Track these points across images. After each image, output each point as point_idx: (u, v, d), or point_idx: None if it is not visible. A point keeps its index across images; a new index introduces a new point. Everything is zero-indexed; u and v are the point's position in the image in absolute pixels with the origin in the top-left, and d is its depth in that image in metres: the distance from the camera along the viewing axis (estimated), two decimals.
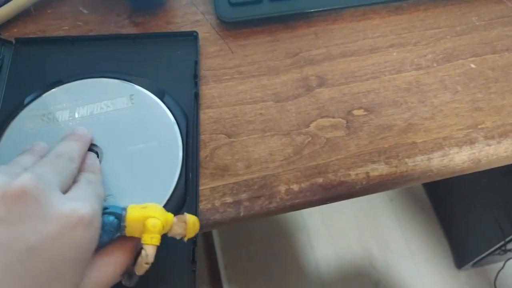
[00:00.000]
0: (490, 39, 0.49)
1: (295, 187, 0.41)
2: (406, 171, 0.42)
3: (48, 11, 0.50)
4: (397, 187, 0.43)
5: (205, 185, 0.41)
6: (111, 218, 0.31)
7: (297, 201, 0.41)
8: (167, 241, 0.37)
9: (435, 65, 0.47)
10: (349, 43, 0.48)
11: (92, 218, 0.29)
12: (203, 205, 0.40)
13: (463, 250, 1.27)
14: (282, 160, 0.42)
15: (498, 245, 1.08)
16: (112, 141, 0.40)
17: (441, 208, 1.36)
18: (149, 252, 0.31)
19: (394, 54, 0.48)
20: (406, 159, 0.42)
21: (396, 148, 0.43)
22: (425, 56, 0.48)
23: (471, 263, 1.22)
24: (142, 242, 0.31)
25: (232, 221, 0.40)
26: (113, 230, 0.31)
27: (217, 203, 0.40)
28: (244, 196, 0.41)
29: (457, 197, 1.27)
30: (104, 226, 0.31)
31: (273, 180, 0.41)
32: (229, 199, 0.40)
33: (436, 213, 1.37)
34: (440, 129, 0.44)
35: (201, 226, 0.39)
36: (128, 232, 0.32)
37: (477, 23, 0.50)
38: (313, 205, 0.42)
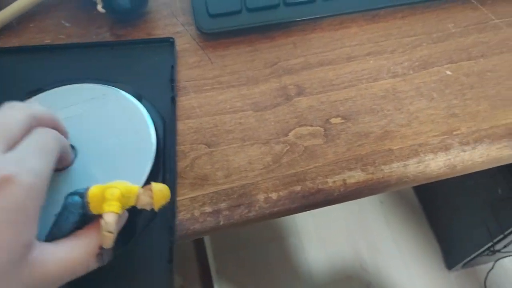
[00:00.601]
0: (465, 46, 0.50)
1: (274, 196, 0.42)
2: (383, 177, 0.43)
3: (31, 25, 0.50)
4: (374, 193, 0.44)
5: (185, 195, 0.41)
6: (76, 197, 0.32)
7: (275, 209, 0.42)
8: (144, 240, 0.38)
9: (411, 72, 0.48)
10: (327, 52, 0.49)
11: (20, 178, 0.27)
12: (182, 215, 0.40)
13: (453, 251, 1.28)
14: (261, 169, 0.43)
15: (487, 246, 1.09)
16: (86, 141, 0.40)
17: (431, 209, 1.37)
18: (107, 219, 0.31)
19: (371, 62, 0.48)
20: (383, 166, 0.43)
21: (373, 155, 0.44)
22: (402, 63, 0.48)
23: (461, 264, 1.23)
24: (102, 211, 0.31)
25: (212, 230, 0.41)
26: (78, 209, 0.31)
27: (196, 212, 0.41)
28: (223, 205, 0.41)
29: (446, 198, 1.28)
30: (69, 206, 0.31)
31: (252, 188, 0.42)
32: (208, 209, 0.41)
33: (426, 214, 1.38)
34: (416, 135, 0.45)
35: (180, 237, 0.40)
36: (92, 207, 0.31)
37: (453, 30, 0.51)
38: (292, 212, 0.43)
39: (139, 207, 0.33)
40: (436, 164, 0.43)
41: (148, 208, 0.33)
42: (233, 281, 1.25)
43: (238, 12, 0.49)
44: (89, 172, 0.38)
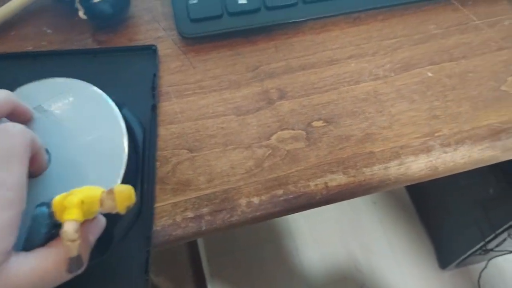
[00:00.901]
0: (447, 47, 0.50)
1: (256, 200, 0.42)
2: (364, 180, 0.43)
3: (12, 33, 0.50)
4: (357, 196, 0.44)
5: (167, 200, 0.41)
6: (43, 208, 0.31)
7: (258, 213, 0.42)
8: (122, 250, 0.37)
9: (392, 74, 0.48)
10: (309, 55, 0.49)
11: None
12: (164, 221, 0.40)
13: (446, 251, 1.28)
14: (243, 173, 0.43)
15: (479, 246, 1.09)
16: (58, 143, 0.39)
17: (423, 210, 1.37)
18: (66, 228, 0.30)
19: (353, 65, 0.48)
20: (364, 169, 0.43)
21: (354, 158, 0.44)
22: (383, 66, 0.48)
23: (455, 263, 1.24)
24: (62, 220, 0.30)
25: (194, 236, 0.41)
26: (46, 220, 0.31)
27: (178, 218, 0.41)
28: (205, 210, 0.41)
29: (439, 198, 1.28)
30: (37, 217, 0.31)
31: (235, 193, 0.42)
32: (190, 214, 0.41)
33: (419, 214, 1.38)
34: (398, 137, 0.45)
35: (162, 242, 0.40)
36: (58, 216, 0.31)
37: (434, 32, 0.51)
38: (274, 216, 0.43)
39: (104, 211, 0.32)
40: (418, 166, 0.43)
41: (113, 211, 0.32)
42: (227, 284, 1.25)
43: (219, 16, 0.49)
44: (64, 178, 0.38)
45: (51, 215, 0.31)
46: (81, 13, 0.48)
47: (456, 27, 0.51)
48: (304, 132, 0.45)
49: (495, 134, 0.45)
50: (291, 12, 0.50)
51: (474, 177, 1.08)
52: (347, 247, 1.32)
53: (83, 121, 0.40)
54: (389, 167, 0.43)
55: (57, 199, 0.31)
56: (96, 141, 0.39)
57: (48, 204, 0.31)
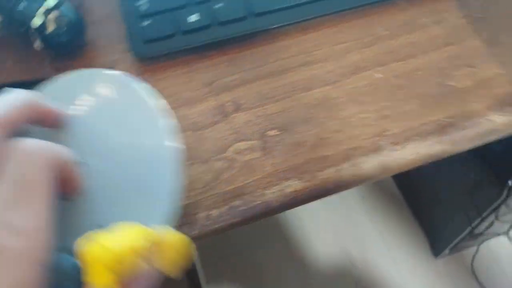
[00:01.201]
0: (395, 47, 0.51)
1: (214, 212, 0.43)
2: (319, 184, 0.44)
3: None
4: (315, 199, 0.45)
5: None
6: (70, 258, 0.23)
7: (217, 225, 0.43)
8: None
9: (342, 79, 0.49)
10: (262, 66, 0.51)
11: (7, 248, 0.21)
12: None
13: (438, 239, 1.29)
14: (201, 188, 0.44)
15: (467, 231, 1.10)
16: (97, 152, 0.33)
17: (413, 200, 1.38)
18: None
19: (304, 72, 0.50)
20: (318, 173, 0.45)
21: (308, 163, 0.45)
22: (333, 71, 0.50)
23: (447, 250, 1.25)
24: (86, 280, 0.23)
25: None
26: (77, 275, 0.23)
27: None
28: None
29: (427, 187, 1.30)
30: (63, 272, 0.23)
31: (193, 208, 0.44)
32: None
33: (408, 205, 1.39)
34: (349, 140, 0.46)
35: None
36: (84, 271, 0.23)
37: (383, 33, 0.52)
38: (235, 226, 0.44)
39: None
40: (369, 166, 0.45)
41: (165, 272, 0.24)
42: None
43: (172, 35, 0.50)
44: (106, 198, 0.32)
45: (80, 270, 0.23)
46: (36, 44, 0.49)
47: (404, 27, 0.53)
48: (259, 142, 0.46)
49: (442, 128, 0.46)
50: (242, 25, 0.51)
51: (456, 164, 1.09)
52: (340, 243, 1.33)
53: (126, 125, 0.35)
54: (341, 169, 0.45)
55: (83, 249, 0.23)
56: (139, 155, 0.34)
57: (75, 252, 0.23)
